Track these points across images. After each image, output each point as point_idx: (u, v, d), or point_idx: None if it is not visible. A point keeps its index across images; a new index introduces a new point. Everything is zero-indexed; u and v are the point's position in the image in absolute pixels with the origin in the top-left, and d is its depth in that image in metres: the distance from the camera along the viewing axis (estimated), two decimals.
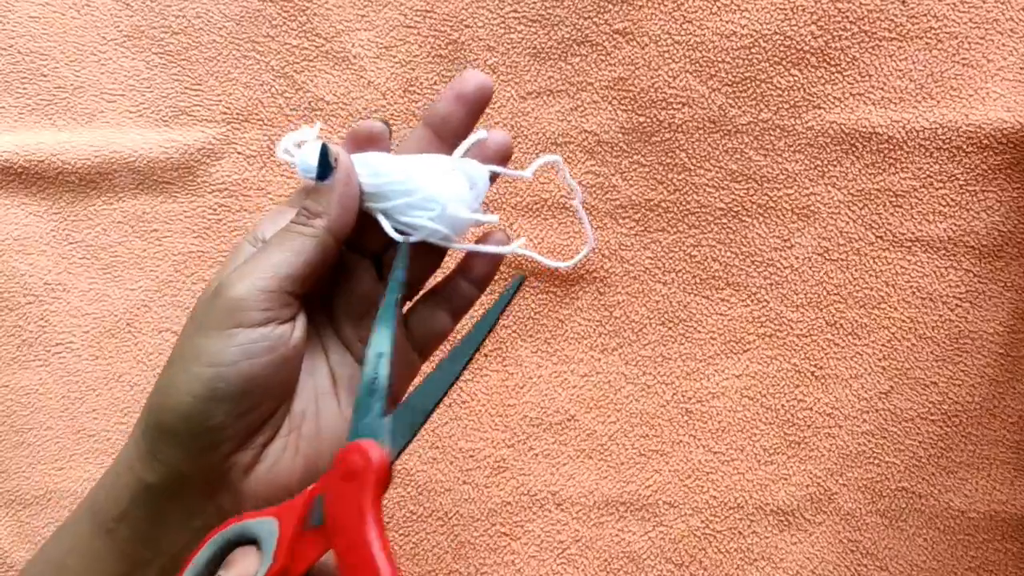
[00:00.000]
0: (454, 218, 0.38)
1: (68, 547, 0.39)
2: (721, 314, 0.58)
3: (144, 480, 0.37)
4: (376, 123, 0.39)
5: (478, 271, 0.41)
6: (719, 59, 0.57)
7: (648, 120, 0.58)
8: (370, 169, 0.38)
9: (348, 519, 0.33)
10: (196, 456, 0.36)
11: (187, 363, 0.36)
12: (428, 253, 0.41)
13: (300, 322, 0.38)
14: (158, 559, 0.38)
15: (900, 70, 0.56)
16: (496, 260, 0.41)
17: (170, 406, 0.35)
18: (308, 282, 0.37)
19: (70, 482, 0.60)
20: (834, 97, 0.57)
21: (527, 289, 0.59)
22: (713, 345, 0.58)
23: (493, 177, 0.40)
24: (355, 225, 0.38)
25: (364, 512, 0.33)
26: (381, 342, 0.37)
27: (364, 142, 0.39)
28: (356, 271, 0.40)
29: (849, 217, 0.57)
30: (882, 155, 0.56)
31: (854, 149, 0.57)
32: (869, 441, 0.57)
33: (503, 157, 0.40)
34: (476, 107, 0.40)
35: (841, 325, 0.57)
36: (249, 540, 0.35)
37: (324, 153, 0.37)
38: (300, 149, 0.39)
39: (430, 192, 0.38)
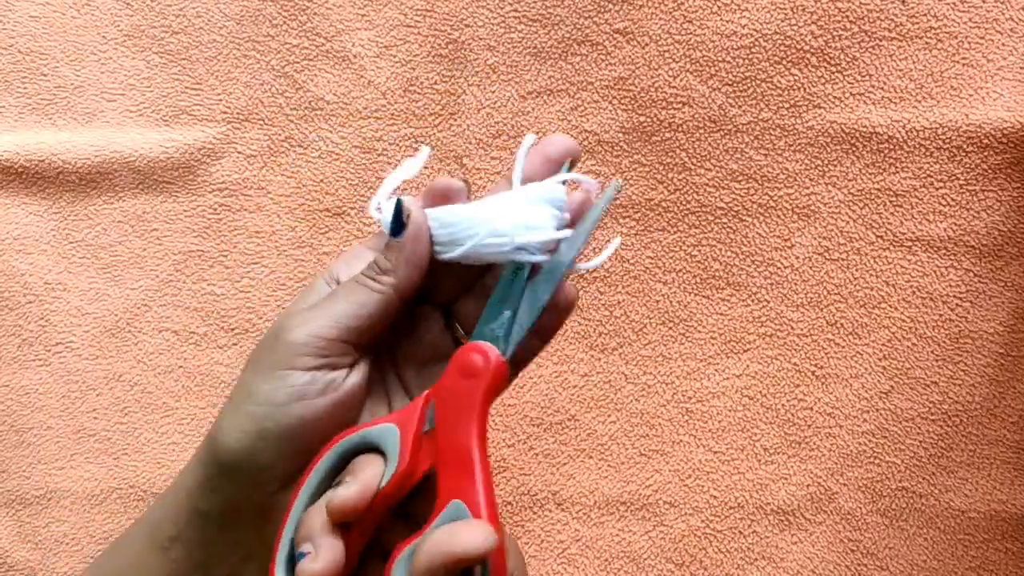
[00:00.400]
0: (529, 243, 0.37)
1: (124, 561, 0.40)
2: (721, 314, 0.58)
3: (199, 507, 0.38)
4: (455, 181, 0.39)
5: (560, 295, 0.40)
6: (719, 59, 0.57)
7: (648, 120, 0.58)
8: (440, 222, 0.38)
9: (456, 417, 0.36)
10: (247, 490, 0.37)
11: (241, 401, 0.36)
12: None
13: (360, 368, 0.38)
14: None
15: (900, 70, 0.56)
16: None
17: (223, 441, 0.36)
18: (369, 334, 0.38)
19: (70, 482, 0.60)
20: (834, 97, 0.57)
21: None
22: (713, 345, 0.58)
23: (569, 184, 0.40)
24: (424, 278, 0.38)
25: (472, 410, 0.36)
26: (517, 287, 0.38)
27: (441, 198, 0.39)
28: (425, 320, 0.40)
29: (849, 217, 0.57)
30: (882, 155, 0.56)
31: (854, 149, 0.57)
32: (869, 441, 0.57)
33: (570, 159, 0.39)
34: (559, 166, 0.40)
35: (841, 325, 0.57)
36: (370, 447, 0.36)
37: (398, 210, 0.38)
38: (388, 202, 0.39)
39: (495, 227, 0.37)
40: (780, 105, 0.57)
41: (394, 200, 0.38)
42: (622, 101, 0.58)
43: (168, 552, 0.39)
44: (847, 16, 0.56)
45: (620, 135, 0.58)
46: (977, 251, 0.56)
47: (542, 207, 0.37)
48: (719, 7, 0.57)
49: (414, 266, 0.38)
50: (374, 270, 0.38)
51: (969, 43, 0.56)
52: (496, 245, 0.37)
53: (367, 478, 0.35)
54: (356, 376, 0.38)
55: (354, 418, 0.39)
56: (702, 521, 0.57)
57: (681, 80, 0.57)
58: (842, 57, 0.56)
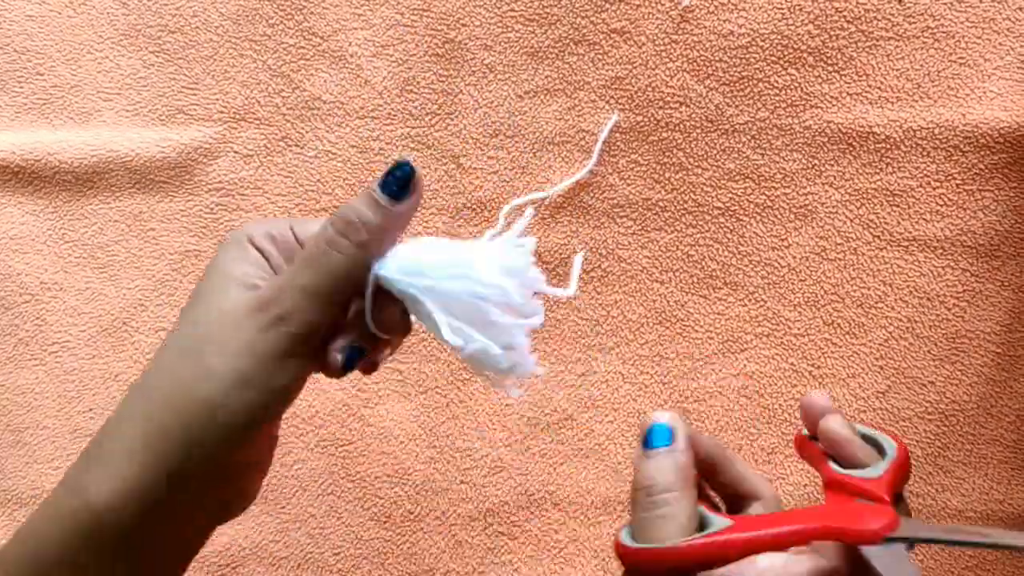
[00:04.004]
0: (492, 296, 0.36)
1: None
2: (719, 313, 0.58)
3: None
4: None
5: None
6: (716, 58, 0.57)
7: (645, 119, 0.58)
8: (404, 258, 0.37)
9: None
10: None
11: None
12: None
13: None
14: None
15: (897, 69, 0.56)
16: None
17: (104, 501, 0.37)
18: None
19: None
20: (831, 96, 0.57)
21: None
22: (711, 344, 0.58)
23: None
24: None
25: None
26: None
27: None
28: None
29: (846, 216, 0.57)
30: (879, 154, 0.56)
31: (851, 148, 0.57)
32: None
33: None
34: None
35: (838, 324, 0.57)
36: None
37: (408, 173, 0.37)
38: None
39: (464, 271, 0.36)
40: (777, 105, 0.57)
41: (403, 161, 0.37)
42: (619, 101, 0.58)
43: None
44: (844, 16, 0.56)
45: (617, 135, 0.58)
46: (974, 251, 0.56)
47: (509, 278, 0.36)
48: (716, 7, 0.57)
49: (394, 239, 0.37)
50: (343, 232, 0.36)
51: (966, 43, 0.56)
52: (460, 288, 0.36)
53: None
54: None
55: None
56: None
57: (678, 80, 0.57)
58: (839, 57, 0.56)
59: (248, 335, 0.36)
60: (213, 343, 0.36)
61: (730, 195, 0.57)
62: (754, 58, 0.57)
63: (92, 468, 0.36)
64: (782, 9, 0.56)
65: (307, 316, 0.36)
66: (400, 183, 0.37)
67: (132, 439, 0.36)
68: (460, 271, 0.36)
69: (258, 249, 0.39)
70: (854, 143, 0.57)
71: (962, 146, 0.56)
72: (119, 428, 0.37)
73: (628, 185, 0.58)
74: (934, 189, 0.56)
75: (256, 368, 0.36)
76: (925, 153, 0.56)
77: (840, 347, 0.57)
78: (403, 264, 0.36)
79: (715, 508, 0.40)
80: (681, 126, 0.58)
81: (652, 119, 0.58)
